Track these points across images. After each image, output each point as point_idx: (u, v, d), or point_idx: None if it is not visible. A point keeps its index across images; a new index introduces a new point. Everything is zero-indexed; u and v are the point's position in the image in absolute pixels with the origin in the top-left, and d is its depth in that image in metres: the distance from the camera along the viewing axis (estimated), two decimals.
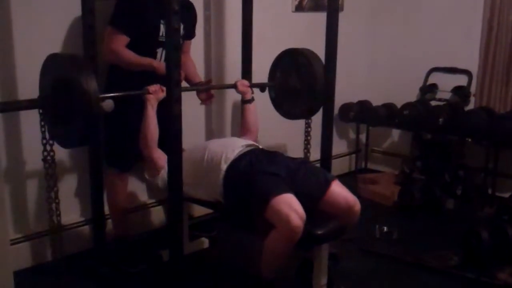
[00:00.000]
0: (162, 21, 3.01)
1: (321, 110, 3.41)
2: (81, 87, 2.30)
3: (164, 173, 2.88)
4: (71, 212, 3.36)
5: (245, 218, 2.79)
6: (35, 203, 3.17)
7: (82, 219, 3.39)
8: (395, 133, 5.10)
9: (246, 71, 3.65)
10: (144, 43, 3.04)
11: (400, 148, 4.95)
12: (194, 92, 3.41)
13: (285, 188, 2.59)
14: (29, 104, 2.56)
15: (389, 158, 5.12)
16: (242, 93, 3.41)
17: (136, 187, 3.67)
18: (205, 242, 3.52)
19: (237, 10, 3.69)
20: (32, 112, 2.57)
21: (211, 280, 3.11)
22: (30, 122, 2.72)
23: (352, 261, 3.31)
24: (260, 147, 3.05)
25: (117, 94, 2.77)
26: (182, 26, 2.74)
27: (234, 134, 3.78)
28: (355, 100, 4.95)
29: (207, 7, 3.83)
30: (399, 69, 4.92)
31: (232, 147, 2.91)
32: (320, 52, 3.36)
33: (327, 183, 2.77)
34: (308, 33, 3.49)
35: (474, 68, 4.43)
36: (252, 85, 3.50)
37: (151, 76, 2.92)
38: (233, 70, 3.76)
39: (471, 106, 4.45)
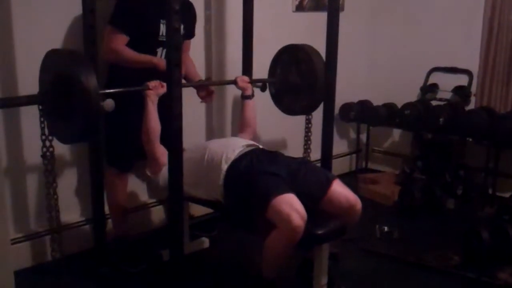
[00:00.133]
0: (162, 21, 3.02)
1: (321, 110, 3.41)
2: (81, 82, 2.29)
3: (165, 170, 2.87)
4: (71, 211, 3.36)
5: (245, 218, 2.79)
6: (36, 203, 3.17)
7: (83, 218, 3.39)
8: (396, 133, 5.10)
9: (247, 70, 3.66)
10: (144, 43, 3.04)
11: (401, 148, 4.95)
12: (195, 91, 3.41)
13: (286, 188, 2.59)
14: (29, 100, 2.55)
15: (390, 158, 5.11)
16: (242, 89, 3.42)
17: (137, 187, 3.67)
18: (206, 242, 3.52)
19: (237, 10, 3.69)
20: (32, 112, 2.56)
21: (211, 280, 3.11)
22: (31, 121, 2.71)
23: (353, 261, 3.31)
24: (261, 147, 3.05)
25: (117, 90, 2.78)
26: (182, 26, 2.74)
27: (235, 131, 3.78)
28: (355, 100, 4.95)
29: (208, 6, 3.83)
30: (399, 69, 4.92)
31: (232, 147, 2.91)
32: (321, 52, 3.36)
33: (328, 183, 2.77)
34: (308, 33, 3.49)
35: (474, 68, 4.43)
36: (252, 81, 3.51)
37: (152, 74, 2.91)
38: (233, 69, 3.76)
39: (471, 106, 4.45)
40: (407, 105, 4.50)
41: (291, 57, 3.50)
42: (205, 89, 3.44)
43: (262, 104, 3.69)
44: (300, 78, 3.45)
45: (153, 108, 2.88)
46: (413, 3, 4.86)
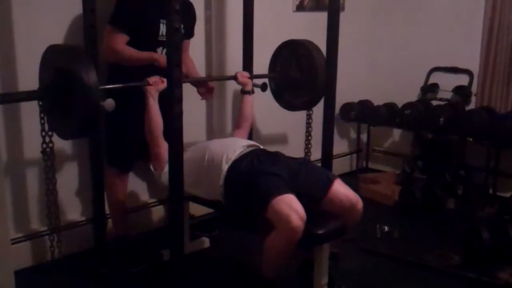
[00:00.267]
0: (162, 20, 3.02)
1: (322, 110, 3.41)
2: (80, 78, 2.29)
3: (167, 169, 2.87)
4: (71, 211, 3.36)
5: (245, 218, 2.79)
6: (36, 202, 3.17)
7: (83, 218, 3.39)
8: (396, 133, 5.10)
9: (247, 70, 3.64)
10: (144, 42, 3.04)
11: (401, 148, 4.95)
12: (195, 89, 3.41)
13: (286, 188, 2.59)
14: (29, 96, 2.55)
15: (390, 158, 5.11)
16: (242, 84, 3.43)
17: (137, 187, 3.67)
18: (206, 242, 3.52)
19: (238, 10, 3.69)
20: (32, 108, 2.56)
21: (211, 280, 3.11)
22: (31, 118, 2.71)
23: (353, 261, 3.31)
24: (262, 147, 3.05)
25: (118, 85, 2.78)
26: (181, 26, 2.74)
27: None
28: (356, 99, 4.94)
29: (208, 6, 3.83)
30: (400, 69, 4.91)
31: (233, 147, 2.90)
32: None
33: (329, 182, 2.77)
34: (309, 32, 3.49)
35: (475, 67, 4.43)
36: (252, 77, 3.52)
37: (152, 73, 2.91)
38: (234, 69, 3.75)
39: (472, 105, 4.45)
40: (408, 105, 4.50)
41: (291, 52, 3.50)
42: (205, 86, 3.44)
43: (263, 103, 3.69)
44: (301, 73, 3.46)
45: (154, 103, 2.88)
46: (413, 3, 4.86)
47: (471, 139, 4.27)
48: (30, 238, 3.16)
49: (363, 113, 4.88)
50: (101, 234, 3.19)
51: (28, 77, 2.63)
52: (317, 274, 2.74)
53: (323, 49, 3.34)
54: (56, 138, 2.56)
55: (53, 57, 2.47)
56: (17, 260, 2.93)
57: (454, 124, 4.20)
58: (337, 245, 3.01)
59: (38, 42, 2.55)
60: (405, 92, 4.71)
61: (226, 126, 4.06)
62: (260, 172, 2.70)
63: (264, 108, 3.91)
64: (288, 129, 4.49)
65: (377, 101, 4.87)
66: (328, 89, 3.34)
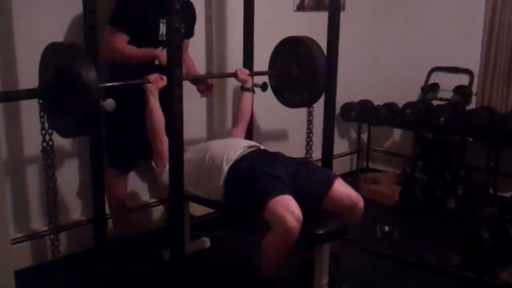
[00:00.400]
0: (161, 20, 3.02)
1: (322, 110, 3.41)
2: (80, 75, 2.29)
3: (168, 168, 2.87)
4: (72, 211, 3.37)
5: (245, 219, 2.79)
6: (36, 203, 3.17)
7: (83, 218, 3.39)
8: (397, 133, 5.10)
9: (248, 69, 3.64)
10: (144, 42, 3.04)
11: (402, 148, 4.94)
12: (195, 87, 3.41)
13: (284, 189, 2.59)
14: (29, 94, 2.55)
15: (391, 158, 5.11)
16: (242, 81, 3.43)
17: (137, 187, 3.67)
18: (206, 241, 3.52)
19: (238, 10, 3.69)
20: (32, 106, 2.55)
21: (212, 280, 3.11)
22: (31, 117, 2.71)
23: (353, 261, 3.31)
24: (262, 148, 3.05)
25: (117, 83, 2.78)
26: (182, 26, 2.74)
27: None
28: (356, 99, 4.94)
29: (209, 6, 3.83)
30: (400, 69, 4.91)
31: (234, 148, 2.91)
32: None
33: (330, 182, 2.77)
34: (309, 32, 3.48)
35: (475, 67, 4.43)
36: (252, 74, 3.52)
37: (153, 71, 2.90)
38: (234, 68, 3.75)
39: (472, 105, 4.44)
40: (408, 105, 4.50)
41: (291, 49, 3.50)
42: (204, 83, 3.44)
43: (264, 102, 3.70)
44: (301, 70, 3.45)
45: (154, 101, 2.87)
46: (414, 3, 4.86)
47: (471, 139, 4.26)
48: (30, 238, 3.16)
49: (364, 113, 4.88)
50: (101, 234, 3.19)
51: (29, 75, 2.63)
52: (318, 274, 2.74)
53: (324, 48, 3.34)
54: (57, 138, 2.56)
55: (53, 55, 2.48)
56: (17, 260, 2.93)
57: (454, 124, 4.20)
58: (337, 245, 3.00)
59: (38, 42, 2.55)
60: (406, 92, 4.70)
61: (226, 124, 4.05)
62: (259, 173, 2.70)
63: (265, 108, 3.91)
64: (289, 128, 4.50)
65: (378, 101, 4.87)
66: (328, 89, 3.34)
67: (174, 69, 2.48)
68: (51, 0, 3.06)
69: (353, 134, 5.20)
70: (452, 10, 4.58)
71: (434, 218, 4.03)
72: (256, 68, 3.68)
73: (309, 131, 3.71)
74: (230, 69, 3.89)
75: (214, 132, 4.01)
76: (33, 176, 3.13)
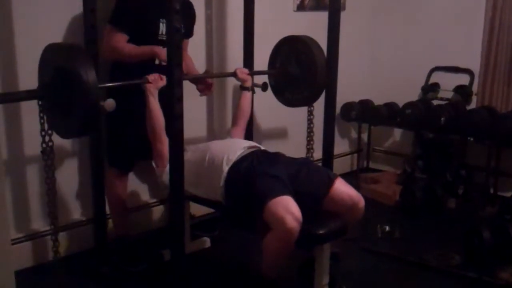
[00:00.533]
0: (161, 20, 3.02)
1: (322, 110, 3.41)
2: (79, 76, 2.29)
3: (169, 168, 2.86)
4: (72, 211, 3.36)
5: (245, 219, 2.79)
6: (37, 203, 3.17)
7: (83, 218, 3.39)
8: (397, 132, 5.09)
9: (248, 69, 3.65)
10: (143, 42, 3.03)
11: (402, 148, 4.94)
12: (195, 87, 3.41)
13: (283, 190, 2.59)
14: (28, 95, 2.54)
15: (391, 157, 5.11)
16: (242, 81, 3.43)
17: (137, 187, 3.67)
18: (207, 241, 3.52)
19: (238, 10, 3.69)
20: (33, 107, 2.55)
21: (212, 280, 3.11)
22: (32, 118, 2.70)
23: (354, 261, 3.30)
24: (262, 148, 3.05)
25: (117, 84, 2.78)
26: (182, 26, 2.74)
27: None
28: (356, 99, 4.94)
29: (209, 6, 3.83)
30: (401, 68, 4.91)
31: (234, 149, 2.91)
32: None
33: (330, 182, 2.77)
34: (309, 32, 3.48)
35: (476, 67, 4.42)
36: (252, 73, 3.52)
37: (153, 71, 2.90)
38: (234, 68, 3.75)
39: (473, 105, 4.44)
40: (408, 105, 4.49)
41: (291, 48, 3.49)
42: (204, 82, 3.43)
43: (264, 102, 3.69)
44: (300, 69, 3.45)
45: (154, 101, 2.87)
46: (414, 3, 4.86)
47: (472, 139, 4.27)
48: (31, 238, 3.16)
49: (364, 112, 4.88)
50: (101, 234, 3.19)
51: (29, 75, 2.63)
52: (318, 274, 2.74)
53: (324, 48, 3.33)
54: (57, 138, 2.56)
55: (52, 56, 2.47)
56: (18, 260, 2.93)
57: (455, 124, 4.19)
58: (338, 245, 3.00)
59: (38, 42, 2.55)
60: (406, 92, 4.70)
61: (227, 124, 4.04)
62: (258, 174, 2.70)
63: (265, 107, 3.91)
64: (289, 128, 4.50)
65: (378, 100, 4.86)
66: (328, 89, 3.34)
67: (174, 69, 2.47)
68: (51, 0, 3.06)
69: (354, 134, 5.20)
70: (452, 9, 4.58)
71: (434, 218, 4.03)
72: (257, 68, 3.68)
73: (310, 130, 3.70)
74: (230, 69, 3.88)
75: (214, 131, 4.01)
76: (33, 176, 3.13)
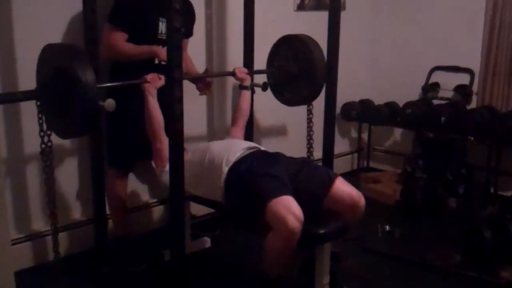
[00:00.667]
0: (161, 19, 3.02)
1: (323, 109, 3.40)
2: (77, 76, 2.28)
3: (168, 168, 2.86)
4: (72, 211, 3.36)
5: (246, 220, 2.79)
6: (37, 203, 3.17)
7: (84, 218, 3.39)
8: (397, 132, 5.09)
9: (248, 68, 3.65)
10: (143, 41, 3.03)
11: (402, 147, 4.94)
12: (195, 86, 3.41)
13: (284, 190, 2.58)
14: (26, 96, 2.54)
15: (391, 157, 5.11)
16: (241, 80, 3.43)
17: (138, 187, 3.66)
18: (207, 241, 3.52)
19: (238, 10, 3.68)
20: (33, 110, 2.55)
21: (213, 280, 3.11)
22: (31, 118, 2.70)
23: (354, 260, 3.30)
24: (262, 149, 3.04)
25: (115, 83, 2.77)
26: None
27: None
28: (357, 99, 4.94)
29: (209, 5, 3.83)
30: (401, 68, 4.91)
31: (234, 149, 2.90)
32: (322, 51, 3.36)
33: (330, 181, 2.77)
34: (309, 32, 3.48)
35: (476, 67, 4.42)
36: (251, 72, 3.52)
37: (153, 71, 2.90)
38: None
39: (473, 105, 4.43)
40: (409, 104, 4.49)
41: (289, 47, 3.49)
42: (203, 81, 3.43)
43: (264, 102, 3.69)
44: (298, 67, 3.44)
45: (153, 100, 2.87)
46: (414, 2, 4.85)
47: (472, 138, 4.27)
48: (31, 239, 3.16)
49: (364, 112, 4.88)
50: (102, 234, 3.19)
51: (29, 75, 2.62)
52: (319, 274, 2.74)
53: (324, 48, 3.33)
54: (57, 138, 2.56)
55: (50, 56, 2.47)
56: (18, 260, 2.93)
57: (455, 123, 4.19)
58: (338, 244, 3.00)
59: (38, 42, 2.55)
60: (406, 91, 4.70)
61: (227, 123, 4.04)
62: (258, 174, 2.70)
63: (265, 107, 3.90)
64: (289, 127, 4.49)
65: (378, 100, 4.87)
66: (329, 88, 3.34)
67: (175, 70, 2.47)
68: (51, 0, 3.05)
69: (354, 134, 5.20)
70: (453, 9, 4.58)
71: (435, 217, 4.02)
72: (257, 67, 3.67)
73: (309, 129, 3.69)
74: (230, 68, 3.86)
75: (214, 130, 4.01)
76: (33, 176, 3.12)
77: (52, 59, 2.44)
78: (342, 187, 2.78)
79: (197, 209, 3.52)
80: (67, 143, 3.18)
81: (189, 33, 3.36)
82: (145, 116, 2.90)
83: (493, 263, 3.19)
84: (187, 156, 2.84)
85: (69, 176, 3.29)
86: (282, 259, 2.66)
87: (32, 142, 2.90)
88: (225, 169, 2.80)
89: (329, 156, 3.46)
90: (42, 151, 2.53)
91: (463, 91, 4.44)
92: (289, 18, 4.34)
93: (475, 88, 4.44)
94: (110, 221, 3.32)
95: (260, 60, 3.66)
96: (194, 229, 3.47)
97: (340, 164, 4.71)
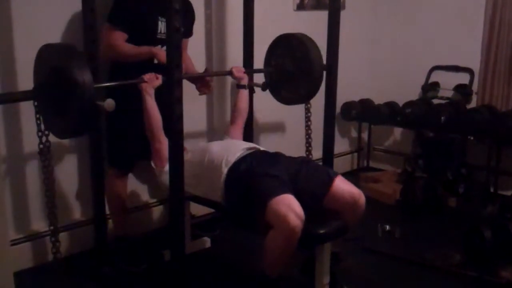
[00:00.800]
0: (160, 18, 3.02)
1: (323, 109, 3.40)
2: (75, 76, 2.28)
3: (168, 168, 2.86)
4: (72, 212, 3.36)
5: (246, 220, 2.78)
6: (36, 203, 3.16)
7: (84, 218, 3.39)
8: (397, 132, 5.09)
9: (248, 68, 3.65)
10: (142, 40, 3.03)
11: (402, 147, 4.94)
12: (194, 86, 3.41)
13: (284, 189, 2.58)
14: (23, 96, 2.54)
15: (391, 157, 5.11)
16: (238, 79, 3.43)
17: (137, 187, 3.66)
18: (207, 241, 3.52)
19: (238, 9, 3.68)
20: (32, 110, 2.55)
21: (213, 280, 3.11)
22: (31, 118, 2.70)
23: (354, 260, 3.30)
24: (262, 149, 3.04)
25: (113, 83, 2.77)
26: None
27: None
28: (357, 98, 4.94)
29: (208, 5, 3.83)
30: (400, 68, 4.91)
31: (233, 150, 2.90)
32: (322, 51, 3.35)
33: (330, 180, 2.77)
34: (309, 32, 3.47)
35: (476, 66, 4.42)
36: (248, 71, 3.51)
37: (152, 71, 2.90)
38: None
39: (473, 104, 4.43)
40: (409, 104, 4.50)
41: (286, 46, 3.48)
42: (202, 80, 3.43)
43: (264, 101, 3.69)
44: (296, 66, 3.43)
45: (151, 100, 2.86)
46: (414, 2, 4.85)
47: (472, 138, 4.27)
48: (30, 239, 3.16)
49: (364, 112, 4.88)
50: (102, 234, 3.19)
51: (28, 75, 2.62)
52: (319, 273, 2.74)
53: (324, 47, 3.33)
54: (57, 139, 2.56)
55: (47, 57, 2.47)
56: (17, 261, 2.93)
57: (455, 123, 4.19)
58: (338, 244, 3.00)
59: (38, 42, 2.55)
60: (406, 91, 4.70)
61: (226, 122, 4.03)
62: (258, 174, 2.70)
63: (265, 107, 3.90)
64: (289, 126, 4.50)
65: (378, 100, 4.87)
66: (329, 88, 3.34)
67: (174, 70, 2.47)
68: (51, 0, 3.05)
69: (354, 133, 5.21)
70: (453, 8, 4.58)
71: (435, 217, 4.02)
72: (256, 67, 3.67)
73: (308, 128, 3.69)
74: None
75: (214, 130, 4.00)
76: (33, 176, 3.12)
77: (49, 59, 2.44)
78: (342, 185, 2.78)
79: (197, 209, 3.52)
80: (66, 143, 3.18)
81: (188, 33, 3.35)
82: (143, 116, 2.90)
83: (493, 262, 3.19)
84: (187, 156, 2.84)
85: (69, 176, 3.29)
86: (282, 258, 2.66)
87: (31, 142, 2.89)
88: (225, 170, 2.80)
89: (329, 156, 3.47)
90: (40, 151, 2.53)
91: (463, 90, 4.44)
92: (289, 17, 4.34)
93: (475, 87, 4.44)
94: (110, 221, 3.31)
95: (260, 60, 3.66)
96: (194, 229, 3.47)
97: (340, 164, 4.71)
